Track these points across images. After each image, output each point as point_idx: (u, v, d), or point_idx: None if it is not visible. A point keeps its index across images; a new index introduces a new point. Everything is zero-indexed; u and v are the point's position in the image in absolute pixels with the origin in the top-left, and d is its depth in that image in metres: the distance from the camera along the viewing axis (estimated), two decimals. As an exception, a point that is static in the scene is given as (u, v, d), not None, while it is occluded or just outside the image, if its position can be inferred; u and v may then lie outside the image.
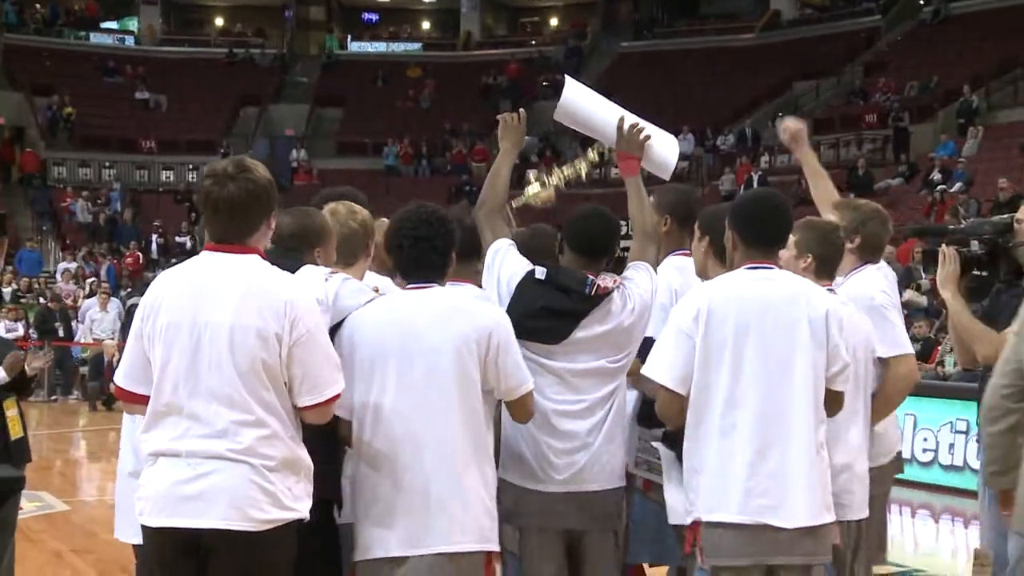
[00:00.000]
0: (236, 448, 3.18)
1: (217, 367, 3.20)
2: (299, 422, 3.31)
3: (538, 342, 3.83)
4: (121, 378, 3.38)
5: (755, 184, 24.71)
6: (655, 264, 4.20)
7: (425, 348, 3.49)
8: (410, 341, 3.51)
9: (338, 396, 3.34)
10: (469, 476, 3.47)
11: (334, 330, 3.53)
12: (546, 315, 3.83)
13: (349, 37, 38.39)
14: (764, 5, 35.03)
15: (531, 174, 4.87)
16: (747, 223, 3.75)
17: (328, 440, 3.53)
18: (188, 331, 3.23)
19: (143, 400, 3.31)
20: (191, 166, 31.68)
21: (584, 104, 4.51)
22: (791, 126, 5.05)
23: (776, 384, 3.58)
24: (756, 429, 3.56)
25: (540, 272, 3.89)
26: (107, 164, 31.36)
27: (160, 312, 3.28)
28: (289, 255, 3.62)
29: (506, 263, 3.99)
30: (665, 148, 4.51)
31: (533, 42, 38.09)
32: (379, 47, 37.46)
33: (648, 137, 4.37)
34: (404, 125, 32.29)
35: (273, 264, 3.36)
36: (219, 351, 3.21)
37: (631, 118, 4.41)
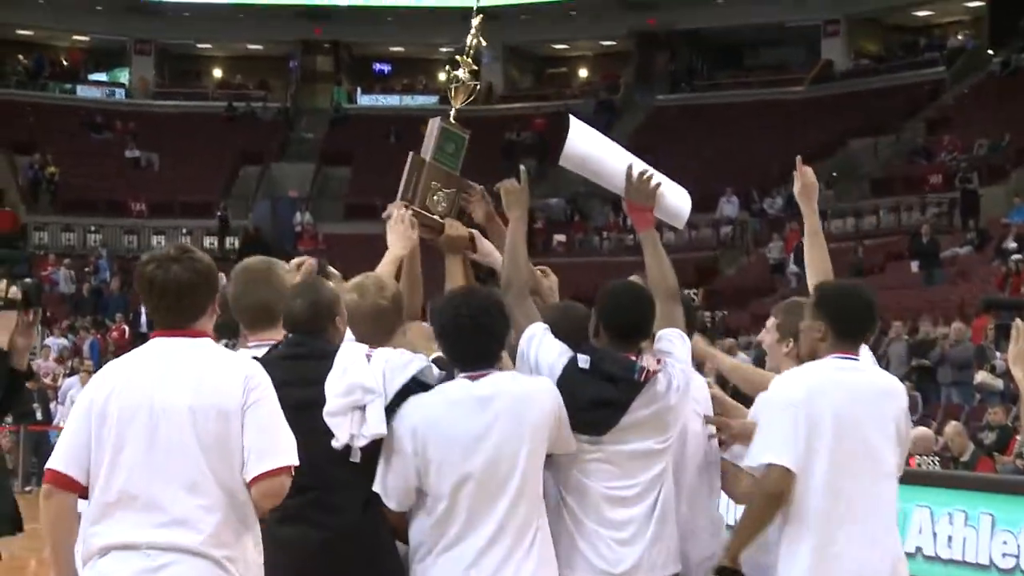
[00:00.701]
0: (197, 539, 3.34)
1: (180, 450, 3.36)
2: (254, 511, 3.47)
3: (589, 435, 3.99)
4: (59, 461, 3.44)
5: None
6: (683, 326, 4.27)
7: (495, 443, 3.78)
8: (481, 431, 3.79)
9: (289, 469, 3.44)
10: None
11: (389, 412, 3.80)
12: (595, 407, 3.97)
13: (359, 90, 38.83)
14: (815, 55, 35.25)
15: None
16: (841, 315, 4.17)
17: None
18: (146, 416, 3.38)
19: (78, 489, 3.41)
20: (186, 230, 31.92)
21: (590, 149, 4.59)
22: (808, 176, 5.14)
23: (871, 479, 4.05)
24: (860, 520, 4.02)
25: (583, 361, 4.00)
26: (93, 228, 31.62)
27: (111, 399, 3.42)
28: (313, 337, 3.88)
29: (543, 351, 4.09)
30: (677, 196, 4.58)
31: (560, 95, 38.41)
32: (391, 100, 37.83)
33: (658, 185, 4.43)
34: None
35: (301, 350, 3.77)
36: (180, 434, 3.37)
37: (640, 165, 4.48)
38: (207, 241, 31.78)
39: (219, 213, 32.04)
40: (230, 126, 36.54)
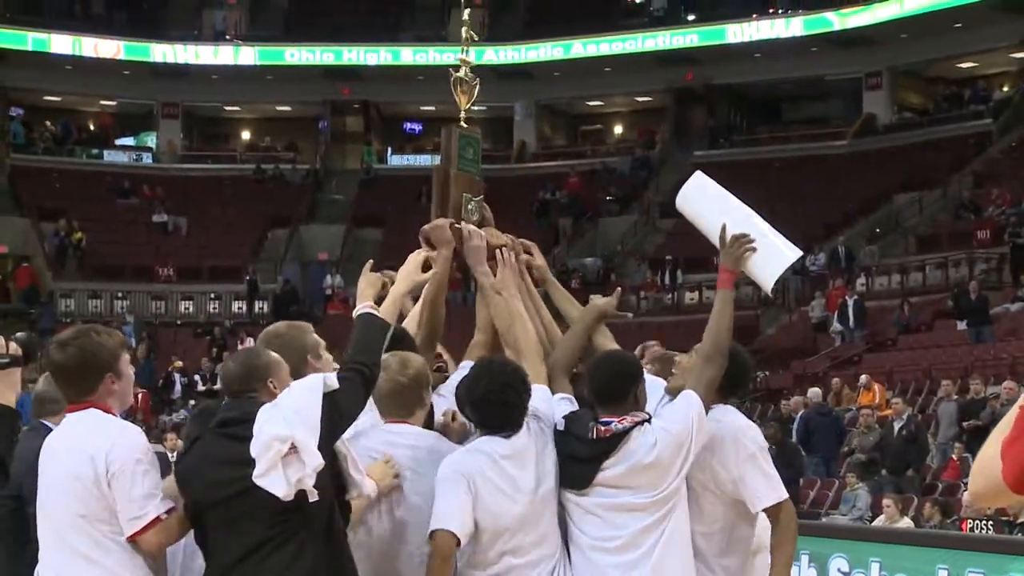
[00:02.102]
0: None
1: (63, 516, 3.88)
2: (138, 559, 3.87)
3: (572, 488, 4.42)
4: None
5: (850, 310, 24.61)
6: (710, 388, 4.49)
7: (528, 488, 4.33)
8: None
9: (159, 520, 3.85)
10: None
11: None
12: (571, 463, 4.42)
13: (389, 150, 39.20)
14: (857, 109, 35.32)
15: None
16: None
17: None
18: (43, 491, 3.96)
19: None
20: (213, 295, 32.18)
21: (700, 203, 4.91)
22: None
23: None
24: None
25: (560, 423, 4.50)
26: (120, 295, 31.91)
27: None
28: (242, 399, 4.00)
29: (557, 411, 4.60)
30: (769, 261, 4.82)
31: (595, 152, 38.62)
32: (423, 160, 38.04)
33: (751, 251, 4.71)
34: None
35: (231, 412, 3.93)
36: (58, 503, 3.90)
37: (739, 226, 4.74)
38: (235, 306, 32.04)
39: (248, 277, 32.29)
40: (259, 189, 36.92)
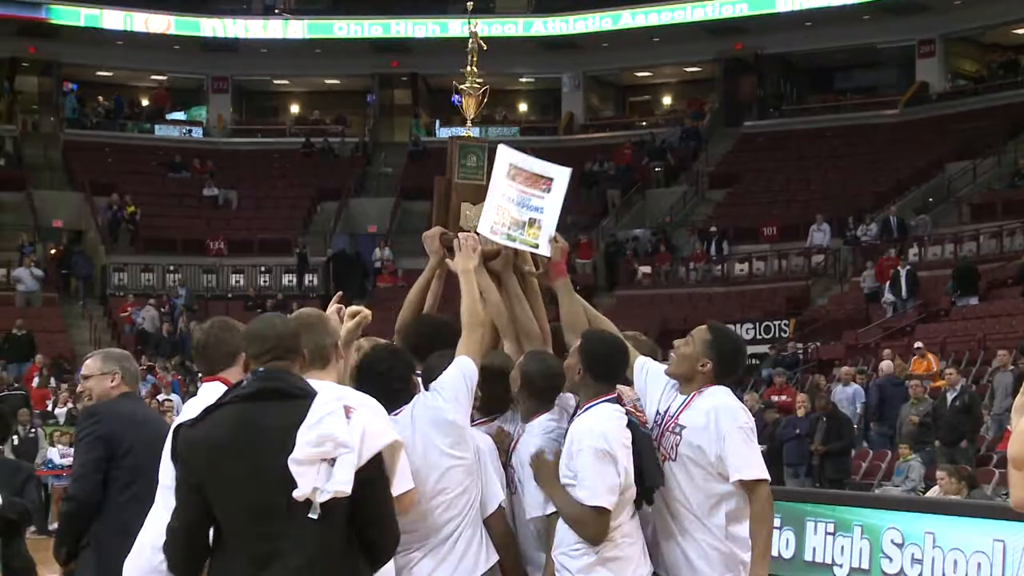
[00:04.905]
0: None
1: None
2: None
3: None
4: None
5: (902, 280, 24.36)
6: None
7: None
8: None
9: None
10: None
11: None
12: None
13: (437, 122, 39.14)
14: (909, 77, 34.88)
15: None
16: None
17: None
18: None
19: None
20: (264, 268, 32.35)
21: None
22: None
23: None
24: None
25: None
26: (171, 268, 32.14)
27: None
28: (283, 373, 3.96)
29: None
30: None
31: (643, 123, 38.41)
32: (471, 132, 38.02)
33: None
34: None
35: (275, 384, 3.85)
36: None
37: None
38: (286, 278, 32.18)
39: (297, 250, 32.43)
40: (308, 162, 37.04)
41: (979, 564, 9.84)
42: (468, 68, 5.28)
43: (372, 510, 3.72)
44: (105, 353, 5.68)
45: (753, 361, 25.04)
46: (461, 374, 4.65)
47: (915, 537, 10.51)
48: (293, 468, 3.58)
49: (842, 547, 11.24)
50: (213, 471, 3.65)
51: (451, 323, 4.97)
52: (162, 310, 29.61)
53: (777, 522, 12.09)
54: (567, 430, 4.75)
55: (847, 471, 16.39)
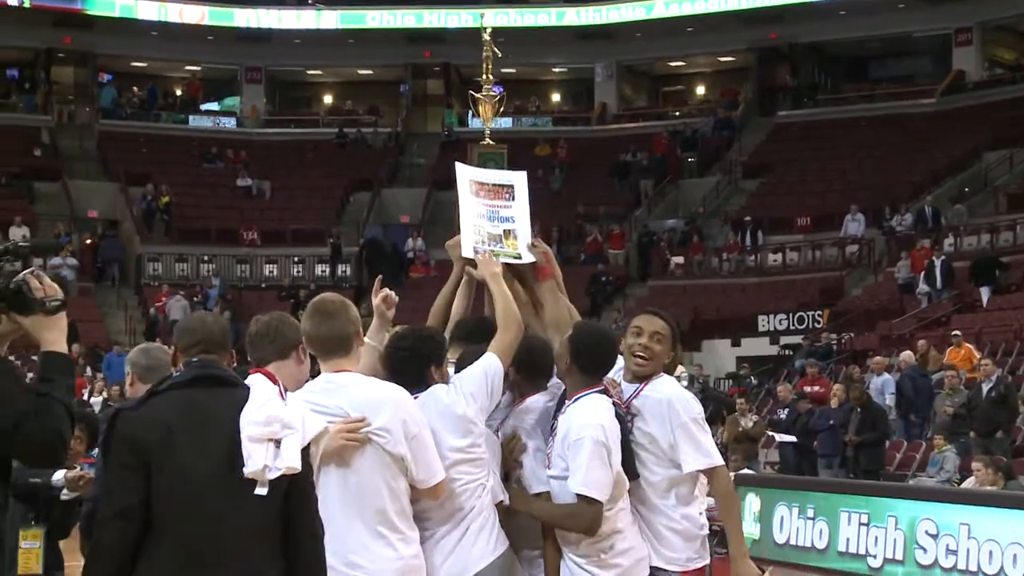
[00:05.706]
0: None
1: None
2: None
3: None
4: None
5: (937, 271, 24.21)
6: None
7: None
8: None
9: None
10: None
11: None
12: None
13: (470, 112, 39.14)
14: (946, 66, 34.64)
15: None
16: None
17: None
18: None
19: None
20: (297, 259, 32.46)
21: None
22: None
23: None
24: None
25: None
26: (205, 258, 32.29)
27: None
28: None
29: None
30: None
31: (677, 113, 38.30)
32: (504, 123, 38.01)
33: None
34: (532, 209, 32.47)
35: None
36: None
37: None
38: (319, 269, 32.30)
39: (331, 240, 32.53)
40: (341, 152, 37.14)
41: (1015, 556, 9.79)
42: (484, 76, 5.39)
43: (304, 490, 3.87)
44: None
45: (787, 352, 24.98)
46: (484, 371, 4.73)
47: (950, 528, 10.47)
48: (246, 445, 3.72)
49: (876, 538, 11.21)
50: (165, 449, 3.71)
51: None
52: (195, 299, 29.73)
53: (811, 513, 12.09)
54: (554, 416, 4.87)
55: (881, 462, 16.33)
